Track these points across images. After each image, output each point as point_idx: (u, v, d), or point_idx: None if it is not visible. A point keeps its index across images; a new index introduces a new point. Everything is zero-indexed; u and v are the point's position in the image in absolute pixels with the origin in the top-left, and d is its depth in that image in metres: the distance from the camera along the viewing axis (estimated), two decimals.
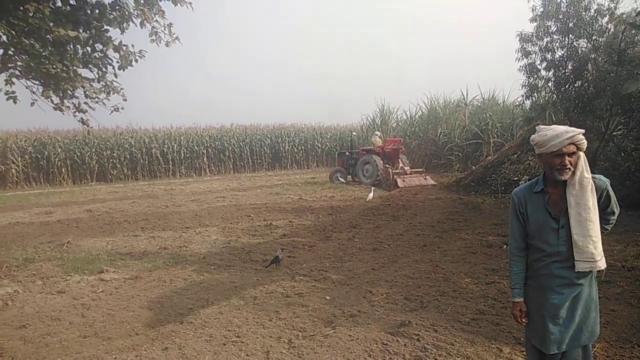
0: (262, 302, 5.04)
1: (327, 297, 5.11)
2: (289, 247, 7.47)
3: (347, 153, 17.66)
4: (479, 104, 22.01)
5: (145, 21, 5.93)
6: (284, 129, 28.36)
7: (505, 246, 6.91)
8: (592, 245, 2.40)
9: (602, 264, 2.44)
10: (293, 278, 5.88)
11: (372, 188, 13.46)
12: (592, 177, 2.41)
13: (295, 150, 27.47)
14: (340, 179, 16.92)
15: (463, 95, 22.21)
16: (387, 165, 16.12)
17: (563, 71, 10.69)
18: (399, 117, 26.32)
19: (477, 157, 18.60)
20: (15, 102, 6.40)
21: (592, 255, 2.40)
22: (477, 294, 5.00)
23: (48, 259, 7.14)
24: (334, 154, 28.47)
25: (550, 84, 11.32)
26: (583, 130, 2.47)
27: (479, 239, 7.53)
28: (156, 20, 6.01)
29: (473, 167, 16.12)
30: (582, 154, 2.43)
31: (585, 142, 2.43)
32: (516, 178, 12.11)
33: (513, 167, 12.81)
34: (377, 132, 18.82)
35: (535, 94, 11.51)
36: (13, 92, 6.41)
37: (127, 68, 6.12)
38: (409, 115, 25.17)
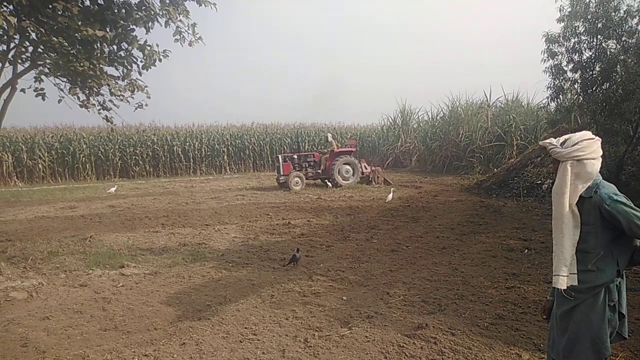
0: (279, 301, 5.06)
1: (344, 298, 5.09)
2: (306, 246, 7.47)
3: (295, 156, 16.58)
4: (502, 105, 21.65)
5: (170, 21, 6.02)
6: (304, 128, 28.39)
7: (526, 250, 6.79)
8: (556, 259, 2.40)
9: (559, 283, 2.37)
10: (310, 277, 5.88)
11: (392, 189, 13.36)
12: (596, 191, 2.34)
13: (316, 149, 27.46)
14: (299, 184, 15.69)
15: (486, 97, 21.92)
16: (372, 166, 16.92)
17: (590, 73, 10.41)
18: (420, 117, 26.15)
19: (499, 160, 18.31)
20: (43, 99, 6.59)
21: (555, 270, 2.39)
22: (497, 299, 4.92)
23: (71, 252, 7.30)
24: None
25: (576, 86, 11.04)
26: (547, 141, 2.47)
27: (499, 242, 7.41)
28: (180, 20, 6.10)
29: (495, 169, 15.88)
30: (565, 164, 2.38)
31: (557, 152, 2.41)
32: (539, 182, 11.88)
33: (536, 171, 12.56)
34: (329, 134, 18.66)
35: (560, 96, 11.24)
36: (42, 89, 6.61)
37: (150, 67, 6.23)
38: (430, 116, 24.96)
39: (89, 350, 3.90)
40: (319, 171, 16.54)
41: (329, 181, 16.16)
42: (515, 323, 4.25)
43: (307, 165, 16.51)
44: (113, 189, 15.86)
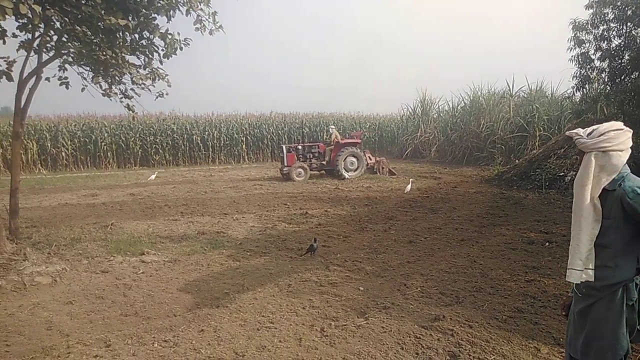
0: (296, 290, 5.08)
1: (361, 288, 5.09)
2: (323, 236, 7.48)
3: (299, 147, 16.45)
4: (525, 95, 21.15)
5: (191, 9, 6.04)
6: (323, 118, 28.24)
7: (547, 243, 6.67)
8: (572, 253, 2.34)
9: (572, 276, 2.31)
10: (327, 267, 5.89)
11: (410, 180, 13.24)
12: (620, 184, 2.25)
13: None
14: (302, 175, 15.55)
15: (508, 86, 21.39)
16: (376, 156, 16.90)
17: (619, 61, 10.09)
18: (440, 107, 25.81)
19: (521, 151, 17.95)
20: (67, 88, 6.71)
21: (570, 264, 2.33)
22: (516, 292, 4.86)
23: (93, 239, 7.45)
24: (372, 144, 28.23)
25: (604, 75, 10.72)
26: (574, 131, 2.39)
27: (519, 235, 7.30)
28: (201, 9, 6.10)
29: (516, 160, 15.60)
30: (590, 155, 2.30)
31: (582, 142, 2.33)
32: (562, 174, 11.63)
33: (559, 162, 12.29)
34: (332, 126, 18.38)
35: (587, 85, 10.94)
36: (66, 78, 6.73)
37: (171, 55, 6.26)
38: (451, 106, 24.61)
39: (110, 335, 3.99)
40: (324, 162, 16.34)
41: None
42: (534, 317, 4.19)
43: (311, 157, 16.33)
44: (153, 176, 16.35)
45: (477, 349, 3.59)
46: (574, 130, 2.41)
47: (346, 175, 15.71)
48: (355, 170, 15.97)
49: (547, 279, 5.20)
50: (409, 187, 12.32)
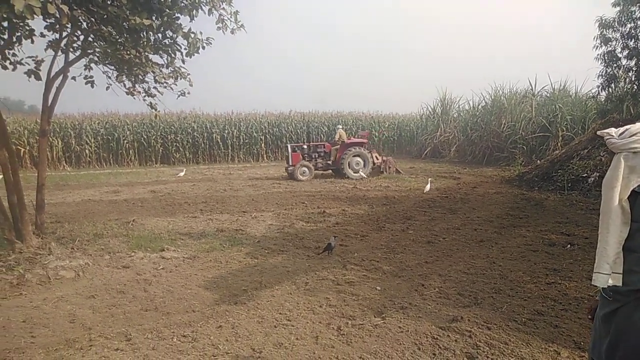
0: (313, 288, 5.10)
1: (378, 288, 5.09)
2: (341, 235, 7.49)
3: (304, 146, 16.44)
4: (548, 94, 20.77)
5: (213, 9, 6.10)
6: (342, 117, 28.26)
7: (569, 246, 6.55)
8: (598, 256, 2.24)
9: (598, 280, 2.21)
10: (344, 266, 5.90)
11: (429, 180, 13.14)
12: None
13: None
14: (306, 174, 15.45)
15: (531, 86, 21.03)
16: (382, 156, 16.78)
17: None
18: (460, 106, 25.54)
19: (543, 151, 17.64)
20: (92, 87, 6.85)
21: (596, 267, 2.24)
22: (536, 294, 4.78)
23: (115, 235, 7.60)
24: (390, 144, 28.11)
25: (630, 74, 10.48)
26: (605, 131, 2.31)
27: (540, 237, 7.18)
28: (223, 8, 6.15)
29: (538, 161, 15.32)
30: (619, 156, 2.24)
31: (612, 142, 2.25)
32: (585, 175, 11.39)
33: (582, 163, 12.03)
34: (340, 126, 18.19)
35: (612, 84, 10.70)
36: (91, 77, 6.88)
37: (194, 55, 6.33)
38: (471, 105, 24.31)
39: (131, 329, 4.07)
40: (329, 162, 16.23)
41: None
42: (554, 320, 4.13)
43: (316, 156, 16.23)
44: (182, 173, 16.72)
45: (495, 351, 3.55)
46: (605, 130, 2.35)
47: (363, 174, 15.63)
48: (360, 170, 15.79)
49: (568, 281, 5.11)
50: (427, 187, 12.23)
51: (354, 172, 15.71)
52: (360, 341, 3.79)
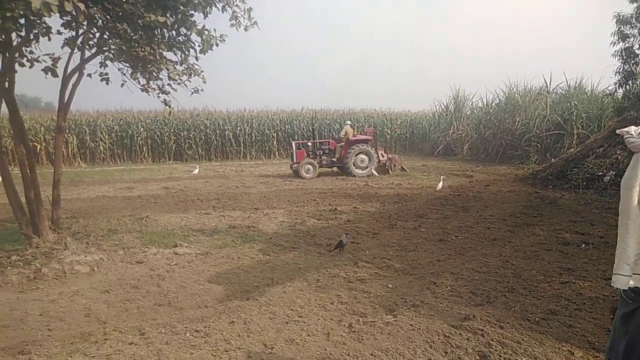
0: (324, 285, 5.12)
1: (390, 285, 5.08)
2: (352, 233, 7.48)
3: (309, 143, 16.27)
4: (563, 92, 20.48)
5: (227, 5, 6.12)
6: (354, 114, 28.17)
7: (583, 245, 6.47)
8: (618, 257, 2.22)
9: (618, 282, 2.19)
10: (356, 264, 5.90)
11: (442, 177, 13.05)
12: None
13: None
14: (311, 172, 15.37)
15: (545, 83, 20.76)
16: (388, 154, 16.52)
17: None
18: (474, 104, 25.31)
19: (558, 149, 17.42)
20: (107, 84, 6.93)
21: (615, 269, 2.21)
22: (549, 293, 4.74)
23: (129, 231, 7.69)
24: (403, 141, 27.97)
25: None
26: (625, 129, 2.27)
27: (554, 235, 7.10)
28: (237, 5, 6.18)
29: (552, 159, 15.15)
30: (638, 155, 2.20)
31: (631, 141, 2.21)
32: (600, 173, 11.23)
33: (598, 161, 11.86)
34: (348, 122, 18.02)
35: (630, 81, 10.52)
36: (106, 74, 6.96)
37: (207, 51, 6.37)
38: (485, 103, 24.09)
39: (144, 324, 4.12)
40: (334, 159, 16.09)
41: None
42: (568, 319, 4.09)
43: (321, 153, 16.07)
44: (196, 171, 16.79)
45: (508, 350, 3.53)
46: (625, 129, 2.32)
47: (356, 173, 15.51)
48: (365, 168, 15.70)
49: (582, 281, 5.05)
50: (440, 184, 12.16)
51: (359, 170, 15.61)
52: (371, 338, 3.79)
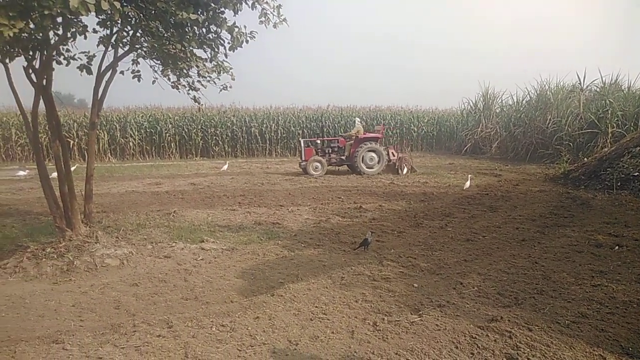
0: (348, 283, 5.11)
1: (415, 285, 5.04)
2: (377, 231, 7.44)
3: (318, 141, 16.08)
4: (597, 89, 19.84)
5: (256, 2, 6.15)
6: (380, 112, 28.00)
7: (617, 247, 6.26)
8: None
9: None
10: (381, 262, 5.87)
11: (469, 176, 12.84)
12: None
13: (390, 133, 26.94)
14: (319, 170, 15.17)
15: (579, 80, 20.12)
16: (399, 153, 16.13)
17: None
18: (503, 102, 24.78)
19: (591, 148, 16.87)
20: (139, 81, 7.07)
21: None
22: (581, 296, 4.61)
23: (157, 225, 7.85)
24: (429, 139, 27.64)
25: None
26: None
27: (586, 237, 6.89)
28: (266, 2, 6.20)
29: (585, 158, 14.70)
30: None
31: None
32: (637, 173, 10.84)
33: (634, 161, 11.44)
34: (357, 118, 17.66)
35: None
36: (138, 71, 7.10)
37: (237, 48, 6.42)
38: (515, 100, 23.55)
39: (172, 317, 4.20)
40: (343, 157, 15.88)
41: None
42: (600, 323, 3.97)
43: (330, 151, 15.91)
44: (225, 167, 17.14)
45: (537, 353, 3.45)
46: None
47: (365, 171, 15.32)
48: (375, 166, 15.48)
49: (615, 284, 4.89)
50: (467, 183, 11.97)
51: (368, 168, 15.44)
52: (396, 337, 3.77)
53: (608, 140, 16.52)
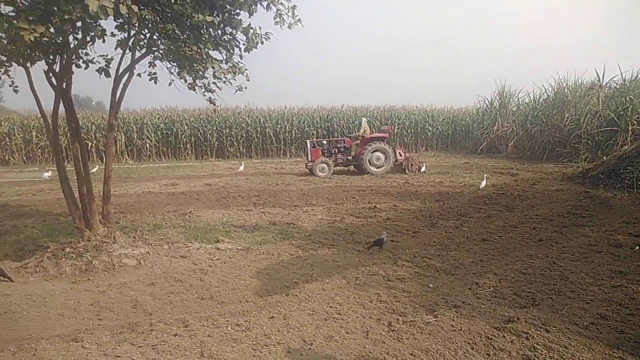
0: (363, 283, 5.11)
1: (430, 285, 5.01)
2: (392, 231, 7.42)
3: (324, 142, 16.05)
4: (617, 86, 19.44)
5: (271, 4, 6.19)
6: (394, 111, 27.87)
7: (637, 247, 6.14)
8: None
9: None
10: (395, 262, 5.85)
11: (485, 175, 12.70)
12: None
13: (405, 133, 26.82)
14: (325, 170, 15.12)
15: (598, 76, 19.71)
16: (406, 152, 16.06)
17: None
18: (520, 100, 24.46)
19: (610, 147, 16.53)
20: (156, 83, 7.16)
21: None
22: (599, 297, 4.53)
23: (173, 226, 7.94)
24: (444, 138, 27.43)
25: None
26: None
27: (605, 237, 6.77)
28: (281, 3, 6.23)
29: (604, 157, 14.42)
30: None
31: None
32: None
33: None
34: (364, 119, 17.51)
35: None
36: (154, 73, 7.19)
37: (252, 50, 6.46)
38: (532, 98, 23.22)
39: (188, 316, 4.25)
40: (349, 157, 15.85)
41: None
42: (620, 325, 3.90)
43: (336, 152, 15.88)
44: (242, 167, 17.36)
45: (555, 355, 3.40)
46: None
47: (372, 171, 15.28)
48: (381, 167, 15.42)
49: (636, 285, 4.79)
50: (483, 183, 11.86)
51: (375, 168, 15.38)
52: (411, 338, 3.76)
53: (628, 138, 16.19)
